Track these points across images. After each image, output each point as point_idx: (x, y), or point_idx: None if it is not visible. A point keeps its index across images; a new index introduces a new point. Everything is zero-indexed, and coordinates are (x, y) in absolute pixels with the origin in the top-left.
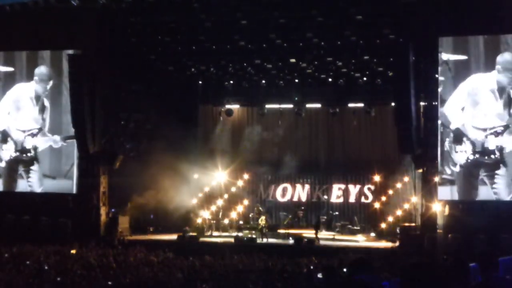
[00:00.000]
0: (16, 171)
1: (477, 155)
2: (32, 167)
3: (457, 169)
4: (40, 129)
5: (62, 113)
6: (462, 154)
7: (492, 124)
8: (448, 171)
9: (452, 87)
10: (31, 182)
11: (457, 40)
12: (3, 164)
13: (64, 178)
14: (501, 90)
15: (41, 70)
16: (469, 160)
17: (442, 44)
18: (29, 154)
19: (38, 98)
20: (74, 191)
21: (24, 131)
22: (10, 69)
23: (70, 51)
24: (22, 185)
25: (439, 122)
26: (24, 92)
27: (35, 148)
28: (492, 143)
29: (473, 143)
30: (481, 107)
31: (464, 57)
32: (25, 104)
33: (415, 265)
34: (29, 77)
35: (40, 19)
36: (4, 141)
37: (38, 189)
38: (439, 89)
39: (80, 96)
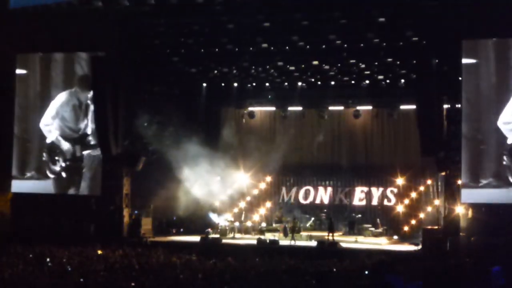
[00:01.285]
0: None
1: None
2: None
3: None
4: (87, 135)
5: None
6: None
7: None
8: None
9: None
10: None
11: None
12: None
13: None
14: None
15: (82, 75)
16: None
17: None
18: (79, 163)
19: (81, 103)
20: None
21: (70, 140)
22: (23, 71)
23: (94, 53)
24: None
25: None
26: (66, 99)
27: (85, 157)
28: None
29: None
30: None
31: (473, 61)
32: (69, 112)
33: (436, 269)
34: (45, 80)
35: (63, 21)
36: (53, 153)
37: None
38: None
39: (103, 98)
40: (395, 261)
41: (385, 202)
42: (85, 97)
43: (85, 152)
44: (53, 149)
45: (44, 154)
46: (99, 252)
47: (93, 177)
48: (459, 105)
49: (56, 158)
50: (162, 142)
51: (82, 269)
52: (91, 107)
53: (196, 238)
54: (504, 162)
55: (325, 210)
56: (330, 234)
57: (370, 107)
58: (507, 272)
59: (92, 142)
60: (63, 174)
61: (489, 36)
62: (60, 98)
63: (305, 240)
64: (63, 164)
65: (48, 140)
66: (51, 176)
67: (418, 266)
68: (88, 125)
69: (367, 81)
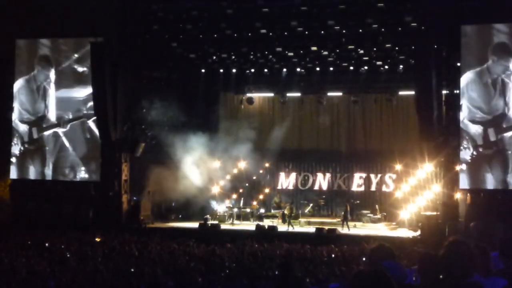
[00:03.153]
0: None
1: (480, 149)
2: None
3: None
4: (43, 117)
5: (67, 98)
6: (466, 151)
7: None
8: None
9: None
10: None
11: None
12: (14, 159)
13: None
14: (494, 81)
15: (42, 58)
16: (474, 156)
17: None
18: (37, 144)
19: (39, 87)
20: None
21: (27, 123)
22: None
23: (93, 39)
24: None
25: None
26: (25, 84)
27: (40, 137)
28: (492, 135)
29: (472, 138)
30: (477, 102)
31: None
32: (26, 96)
33: (430, 254)
34: (30, 67)
35: (62, 6)
36: (11, 135)
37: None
38: None
39: (102, 84)
40: (393, 246)
41: (384, 188)
42: (43, 78)
43: (46, 133)
44: (12, 132)
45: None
46: (98, 239)
47: (57, 160)
48: (458, 91)
49: (15, 141)
50: (161, 127)
51: (81, 255)
52: (49, 89)
53: (195, 224)
54: None
55: (323, 196)
56: (345, 223)
57: (368, 93)
58: (505, 256)
59: (51, 122)
60: (22, 157)
61: (488, 21)
62: (18, 84)
63: (304, 226)
64: (21, 147)
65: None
66: (13, 160)
67: (416, 252)
68: (47, 107)
69: (366, 67)
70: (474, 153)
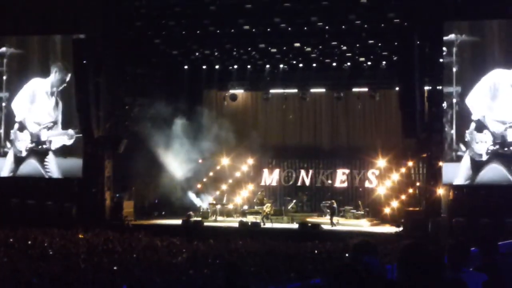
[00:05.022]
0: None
1: (497, 146)
2: (47, 157)
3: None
4: (55, 123)
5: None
6: (483, 144)
7: (511, 118)
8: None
9: (470, 67)
10: (49, 169)
11: (473, 23)
12: (23, 154)
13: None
14: None
15: (59, 64)
16: (489, 151)
17: (458, 25)
18: (44, 146)
19: (53, 93)
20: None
21: (39, 124)
22: (21, 51)
23: (76, 36)
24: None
25: (456, 109)
26: (40, 86)
27: (50, 142)
28: (511, 136)
29: (493, 135)
30: (501, 102)
31: (477, 39)
32: (41, 98)
33: (410, 246)
34: (44, 65)
35: (45, 3)
36: (21, 131)
37: (57, 174)
38: (454, 69)
39: (85, 81)
40: (375, 242)
41: (367, 184)
42: (58, 83)
43: (51, 137)
44: (21, 129)
45: (11, 132)
46: (80, 236)
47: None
48: (440, 87)
49: (22, 138)
50: (144, 124)
51: (64, 252)
52: (60, 106)
53: (178, 221)
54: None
55: (306, 193)
56: (334, 218)
57: (351, 89)
58: (486, 253)
59: (59, 130)
60: (26, 154)
61: (471, 17)
62: (35, 83)
63: (287, 222)
64: (29, 145)
65: (17, 119)
66: (17, 153)
67: (397, 248)
68: (58, 113)
69: (349, 63)
70: (490, 149)
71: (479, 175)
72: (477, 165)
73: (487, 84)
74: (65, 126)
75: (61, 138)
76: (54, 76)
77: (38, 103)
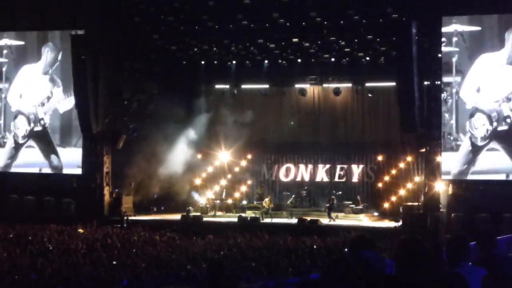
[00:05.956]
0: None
1: (495, 123)
2: (49, 147)
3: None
4: (49, 98)
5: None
6: (481, 128)
7: (503, 94)
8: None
9: (467, 58)
10: (51, 158)
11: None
12: (21, 140)
13: (74, 147)
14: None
15: (49, 46)
16: (488, 131)
17: (457, 17)
18: (42, 123)
19: (46, 73)
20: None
21: (34, 104)
22: (21, 42)
23: (74, 31)
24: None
25: (456, 98)
26: (32, 71)
27: (45, 113)
28: (506, 109)
29: (489, 115)
30: (492, 82)
31: (477, 28)
32: (33, 81)
33: (406, 241)
34: (39, 55)
35: None
36: (18, 120)
37: (57, 163)
38: (454, 60)
39: (83, 76)
40: (374, 237)
41: (366, 179)
42: (51, 63)
43: (49, 111)
44: (18, 117)
45: (12, 123)
46: (80, 230)
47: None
48: (439, 82)
49: (21, 124)
50: (143, 120)
51: (63, 248)
52: (57, 79)
53: (177, 216)
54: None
55: (306, 188)
56: (333, 214)
57: (350, 84)
58: (485, 247)
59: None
60: (25, 140)
61: (468, 12)
62: (26, 70)
63: (286, 217)
64: (28, 128)
65: (13, 109)
66: (20, 141)
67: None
68: (54, 87)
69: (347, 58)
70: (488, 129)
71: (478, 160)
72: (476, 149)
73: (476, 71)
74: (66, 91)
75: (61, 104)
76: (46, 57)
77: (31, 86)
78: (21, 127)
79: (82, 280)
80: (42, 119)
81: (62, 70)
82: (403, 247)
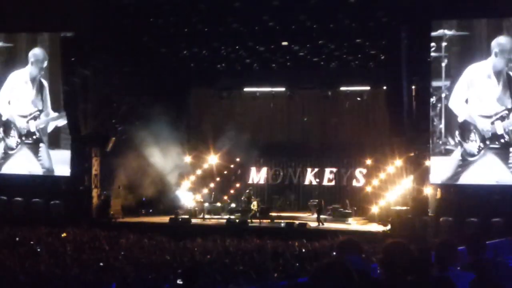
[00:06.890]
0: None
1: (487, 142)
2: (39, 148)
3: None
4: (41, 111)
5: (61, 90)
6: (473, 143)
7: (495, 110)
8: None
9: (456, 62)
10: (42, 160)
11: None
12: (14, 150)
13: (64, 149)
14: (498, 74)
15: (35, 52)
16: (481, 149)
17: (447, 21)
18: (34, 137)
19: (34, 80)
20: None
21: (25, 116)
22: (10, 44)
23: (64, 34)
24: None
25: (445, 102)
26: (19, 78)
27: (39, 130)
28: (499, 128)
29: (481, 132)
30: (483, 95)
31: (466, 33)
32: (22, 90)
33: (392, 245)
34: (27, 59)
35: (33, 1)
36: (9, 130)
37: (48, 165)
38: (443, 64)
39: (72, 78)
40: (363, 241)
41: (354, 183)
42: (37, 72)
43: (41, 125)
44: (8, 125)
45: (1, 128)
46: (64, 234)
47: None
48: (428, 86)
49: (12, 134)
50: (132, 122)
51: (52, 250)
52: (45, 83)
53: (165, 219)
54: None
55: (294, 191)
56: (321, 217)
57: (339, 88)
58: (473, 252)
59: (49, 116)
60: (19, 150)
61: (458, 16)
62: (14, 76)
63: (274, 221)
64: (19, 140)
65: (4, 118)
66: (10, 152)
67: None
68: (43, 99)
69: (337, 62)
70: (481, 145)
71: (469, 171)
72: (466, 163)
73: (464, 82)
74: (55, 108)
75: (52, 122)
76: (32, 64)
77: (18, 95)
78: (12, 138)
79: (70, 283)
80: (34, 133)
81: (50, 75)
82: (388, 251)
